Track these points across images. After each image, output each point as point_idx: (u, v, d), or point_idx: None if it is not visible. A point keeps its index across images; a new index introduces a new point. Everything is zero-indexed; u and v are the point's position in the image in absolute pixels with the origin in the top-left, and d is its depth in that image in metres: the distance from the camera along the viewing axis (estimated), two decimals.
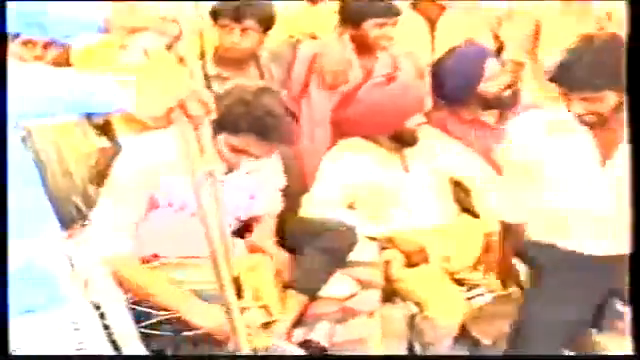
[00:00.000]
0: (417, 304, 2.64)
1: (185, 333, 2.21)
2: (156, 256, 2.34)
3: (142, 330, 2.13)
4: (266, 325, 2.31)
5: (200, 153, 1.76)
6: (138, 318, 2.14)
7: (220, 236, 1.80)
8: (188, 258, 2.30)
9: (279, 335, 2.37)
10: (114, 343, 1.82)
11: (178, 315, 2.20)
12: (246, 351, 1.88)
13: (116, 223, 2.26)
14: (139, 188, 2.29)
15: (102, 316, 1.81)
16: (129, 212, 2.28)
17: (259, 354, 2.08)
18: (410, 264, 2.70)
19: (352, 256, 2.51)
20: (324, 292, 2.48)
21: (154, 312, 2.22)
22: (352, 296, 2.49)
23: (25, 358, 1.53)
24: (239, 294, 1.87)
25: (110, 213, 2.28)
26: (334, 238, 2.49)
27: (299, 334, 2.44)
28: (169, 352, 2.21)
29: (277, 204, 2.65)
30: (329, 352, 2.42)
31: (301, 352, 2.36)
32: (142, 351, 1.95)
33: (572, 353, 2.36)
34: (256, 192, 2.54)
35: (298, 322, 2.46)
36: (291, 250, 2.56)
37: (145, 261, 2.32)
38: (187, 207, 2.31)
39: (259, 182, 2.54)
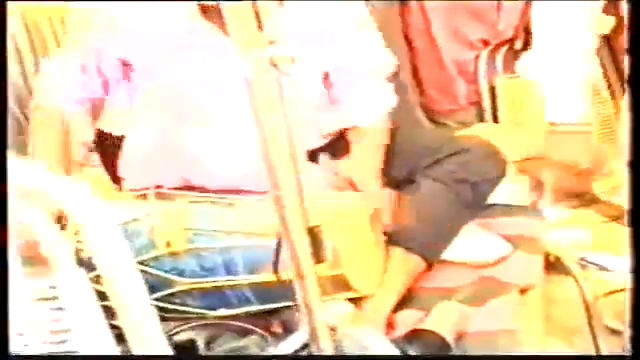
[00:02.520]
0: None
1: (224, 311, 2.20)
2: (189, 187, 2.32)
3: (160, 304, 2.09)
4: (356, 304, 2.27)
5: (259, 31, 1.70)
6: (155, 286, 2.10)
7: (289, 161, 1.71)
8: (235, 192, 2.27)
9: (374, 321, 2.29)
10: (115, 328, 1.78)
11: (223, 283, 2.18)
12: (326, 346, 1.80)
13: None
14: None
15: (97, 282, 1.80)
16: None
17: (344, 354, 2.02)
18: None
19: (499, 197, 2.45)
20: (451, 254, 2.42)
21: (178, 279, 2.17)
22: (498, 262, 2.43)
23: (25, 358, 1.68)
24: (317, 255, 1.77)
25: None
26: (471, 165, 2.43)
27: (408, 320, 2.35)
28: (200, 344, 2.19)
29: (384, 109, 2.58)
30: (453, 349, 2.32)
31: (408, 349, 2.27)
32: (157, 338, 1.87)
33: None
34: (346, 89, 2.52)
35: (406, 301, 2.38)
36: (400, 184, 2.48)
37: (161, 195, 2.29)
38: (231, 113, 2.32)
39: (349, 71, 2.52)
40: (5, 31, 1.78)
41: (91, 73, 2.43)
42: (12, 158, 1.77)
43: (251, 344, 2.21)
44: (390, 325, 2.33)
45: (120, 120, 2.45)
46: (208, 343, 2.20)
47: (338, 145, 2.55)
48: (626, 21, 1.72)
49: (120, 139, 2.44)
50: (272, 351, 2.17)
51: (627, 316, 1.84)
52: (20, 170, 1.75)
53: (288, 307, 2.17)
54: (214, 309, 2.22)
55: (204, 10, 2.33)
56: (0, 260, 1.64)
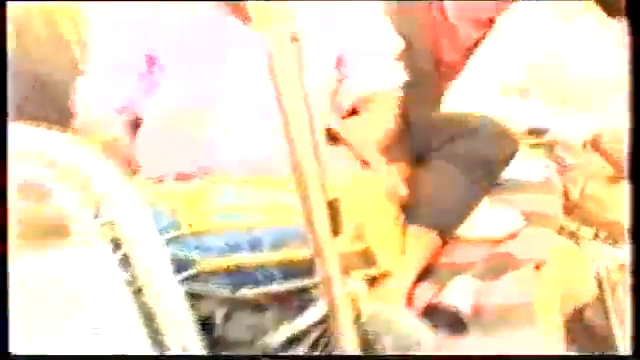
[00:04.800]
0: None
1: (245, 291, 2.16)
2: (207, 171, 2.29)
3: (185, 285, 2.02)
4: (374, 280, 2.25)
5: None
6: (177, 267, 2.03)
7: (310, 135, 1.70)
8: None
9: (394, 296, 2.29)
10: (143, 307, 1.79)
11: (248, 261, 2.15)
12: (345, 318, 1.79)
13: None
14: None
15: (125, 262, 1.80)
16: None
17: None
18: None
19: (511, 173, 2.45)
20: (466, 229, 2.41)
21: (201, 258, 2.13)
22: (511, 236, 2.43)
23: (25, 358, 1.70)
24: (336, 228, 1.77)
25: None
26: (483, 143, 2.43)
27: (425, 294, 2.35)
28: (217, 320, 2.17)
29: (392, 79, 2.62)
30: (469, 323, 2.32)
31: (424, 323, 2.20)
32: (183, 315, 1.88)
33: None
34: (356, 68, 2.57)
35: (424, 275, 2.37)
36: (413, 162, 2.49)
37: (183, 177, 2.29)
38: (248, 92, 2.33)
39: (359, 51, 2.55)
40: (5, 31, 1.79)
41: (133, 76, 2.43)
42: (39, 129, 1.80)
43: (267, 321, 2.17)
44: (409, 300, 2.33)
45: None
46: (226, 317, 2.18)
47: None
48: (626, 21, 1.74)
49: (136, 122, 2.44)
50: (288, 327, 2.13)
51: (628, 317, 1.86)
52: (49, 142, 1.74)
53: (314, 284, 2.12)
54: (238, 288, 2.17)
55: None
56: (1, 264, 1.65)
